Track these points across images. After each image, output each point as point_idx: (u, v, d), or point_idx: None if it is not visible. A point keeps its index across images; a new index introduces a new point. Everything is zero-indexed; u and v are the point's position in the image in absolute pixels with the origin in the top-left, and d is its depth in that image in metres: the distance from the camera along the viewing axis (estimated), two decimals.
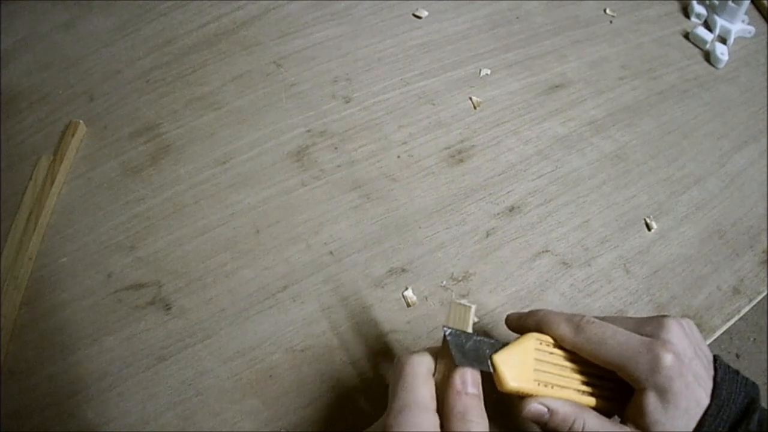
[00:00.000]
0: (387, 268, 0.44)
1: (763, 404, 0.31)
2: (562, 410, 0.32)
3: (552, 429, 0.32)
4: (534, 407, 0.32)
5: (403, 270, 0.44)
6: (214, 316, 0.40)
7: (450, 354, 0.31)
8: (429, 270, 0.44)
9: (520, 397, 0.32)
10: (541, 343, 0.34)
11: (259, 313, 0.41)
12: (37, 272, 0.42)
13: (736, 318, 0.45)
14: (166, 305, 0.41)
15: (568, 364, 0.34)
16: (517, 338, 0.34)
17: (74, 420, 0.36)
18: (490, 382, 0.32)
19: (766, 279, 0.47)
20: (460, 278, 0.44)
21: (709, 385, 0.31)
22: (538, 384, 0.32)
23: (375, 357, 0.40)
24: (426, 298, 0.43)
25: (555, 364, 0.33)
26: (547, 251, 0.46)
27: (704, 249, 0.48)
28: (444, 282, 0.43)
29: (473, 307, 0.33)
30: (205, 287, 0.42)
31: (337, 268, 0.43)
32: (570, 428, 0.32)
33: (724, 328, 0.45)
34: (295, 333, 0.40)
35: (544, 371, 0.33)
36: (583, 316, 0.34)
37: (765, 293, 0.47)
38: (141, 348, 0.39)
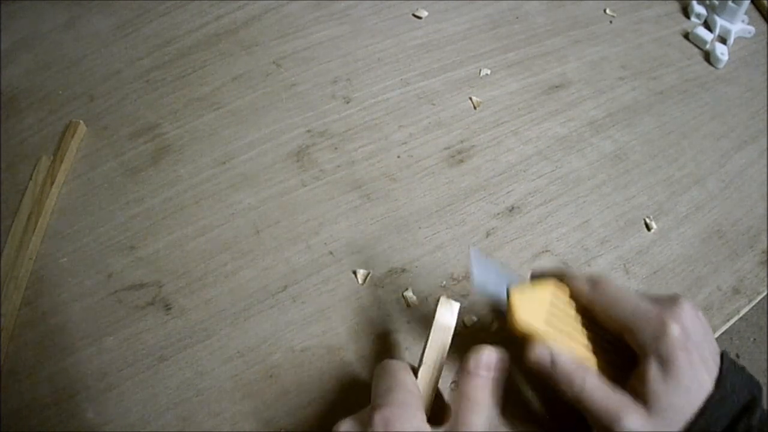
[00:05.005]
0: (387, 268, 0.44)
1: (763, 403, 0.31)
2: (566, 362, 0.32)
3: (554, 381, 0.32)
4: (540, 350, 0.32)
5: (403, 270, 0.44)
6: (214, 316, 0.40)
7: (476, 285, 0.31)
8: (429, 270, 0.44)
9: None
10: (558, 294, 0.34)
11: (259, 313, 0.41)
12: (37, 272, 0.42)
13: (736, 318, 0.45)
14: (166, 305, 0.41)
15: (580, 321, 0.34)
16: (537, 282, 0.34)
17: (74, 420, 0.36)
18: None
19: (766, 279, 0.47)
20: (460, 278, 0.44)
21: (715, 372, 0.31)
22: (548, 329, 0.32)
23: (375, 357, 0.40)
24: (426, 298, 0.43)
25: (568, 317, 0.33)
26: (547, 251, 0.46)
27: (704, 249, 0.48)
28: (444, 282, 0.43)
29: (458, 305, 0.33)
30: (205, 287, 0.42)
31: (337, 268, 0.43)
32: (570, 384, 0.32)
33: (724, 328, 0.45)
34: (295, 333, 0.40)
35: (556, 320, 0.33)
36: (602, 275, 0.34)
37: (765, 293, 0.47)
38: (141, 348, 0.39)
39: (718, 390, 0.30)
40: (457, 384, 0.32)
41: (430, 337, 0.32)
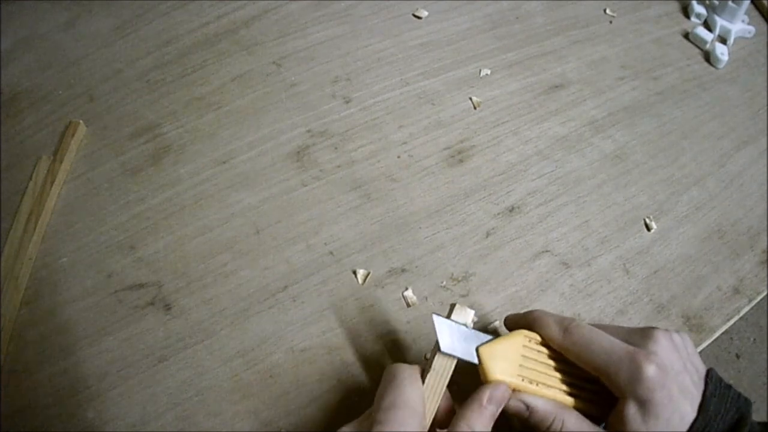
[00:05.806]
0: (387, 268, 0.44)
1: (763, 403, 0.31)
2: (543, 408, 0.32)
3: (533, 425, 0.33)
4: (514, 403, 0.32)
5: (403, 270, 0.44)
6: (214, 316, 0.40)
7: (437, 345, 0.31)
8: (429, 270, 0.44)
9: None
10: (529, 341, 0.34)
11: (259, 313, 0.41)
12: (37, 272, 0.42)
13: (736, 318, 0.45)
14: (166, 305, 0.41)
15: (554, 364, 0.34)
16: (507, 334, 0.34)
17: (74, 420, 0.36)
18: (475, 374, 0.32)
19: (766, 279, 0.47)
20: (460, 278, 0.44)
21: (697, 399, 0.31)
22: (522, 380, 0.32)
23: (375, 357, 0.40)
24: (426, 298, 0.43)
25: (541, 363, 0.34)
26: (547, 251, 0.46)
27: (704, 249, 0.48)
28: (444, 282, 0.43)
29: (473, 312, 0.33)
30: (205, 287, 0.42)
31: (337, 268, 0.43)
32: (549, 426, 0.32)
33: (724, 328, 0.45)
34: (295, 333, 0.40)
35: (530, 368, 0.33)
36: (574, 319, 0.34)
37: (765, 293, 0.47)
38: (141, 348, 0.39)
39: (701, 416, 0.30)
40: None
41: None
